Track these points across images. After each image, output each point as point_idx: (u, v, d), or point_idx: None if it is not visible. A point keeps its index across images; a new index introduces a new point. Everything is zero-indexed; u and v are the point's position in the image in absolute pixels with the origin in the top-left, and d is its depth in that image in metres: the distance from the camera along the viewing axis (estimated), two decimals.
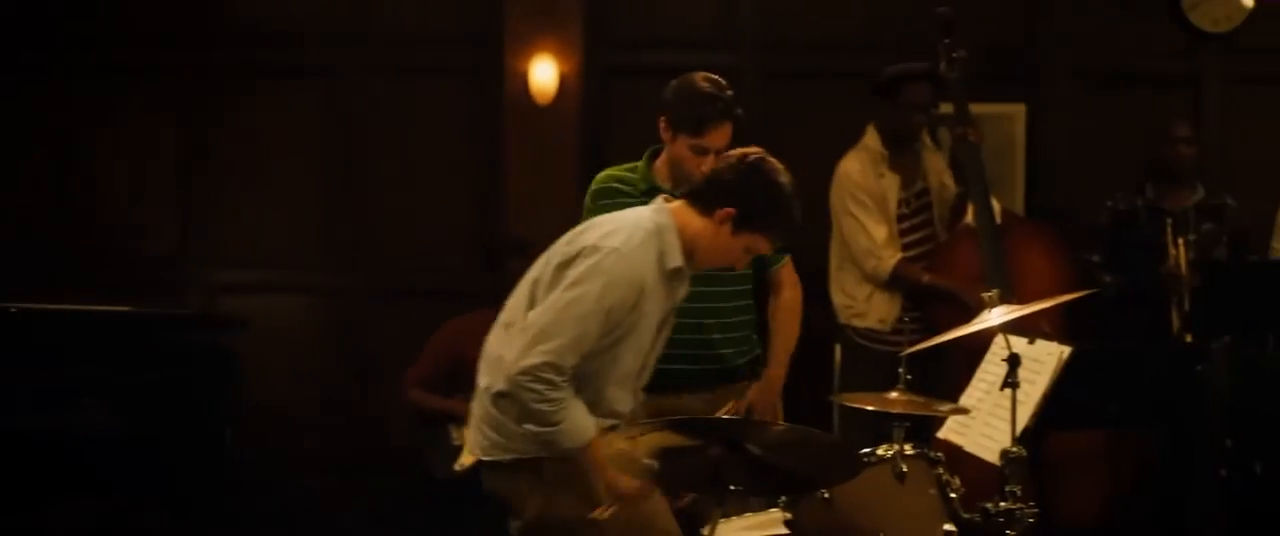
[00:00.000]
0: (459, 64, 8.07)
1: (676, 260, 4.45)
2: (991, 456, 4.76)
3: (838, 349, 6.43)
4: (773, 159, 4.61)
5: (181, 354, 6.36)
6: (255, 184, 8.13)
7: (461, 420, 6.69)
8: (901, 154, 6.88)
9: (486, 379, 4.53)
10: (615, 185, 5.15)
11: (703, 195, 4.51)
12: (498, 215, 7.79)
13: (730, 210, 4.44)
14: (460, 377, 6.72)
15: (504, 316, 4.58)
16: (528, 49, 7.68)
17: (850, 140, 6.97)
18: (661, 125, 4.98)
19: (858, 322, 6.84)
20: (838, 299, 6.91)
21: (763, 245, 4.58)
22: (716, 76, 5.02)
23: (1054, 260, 6.82)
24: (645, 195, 4.89)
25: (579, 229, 4.60)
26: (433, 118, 8.08)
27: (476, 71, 7.97)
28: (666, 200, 4.58)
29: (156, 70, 8.06)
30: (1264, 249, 7.20)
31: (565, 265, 4.41)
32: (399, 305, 7.93)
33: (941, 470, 4.46)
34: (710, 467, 3.83)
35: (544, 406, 4.26)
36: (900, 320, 6.54)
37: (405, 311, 7.82)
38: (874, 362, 6.56)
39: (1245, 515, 6.96)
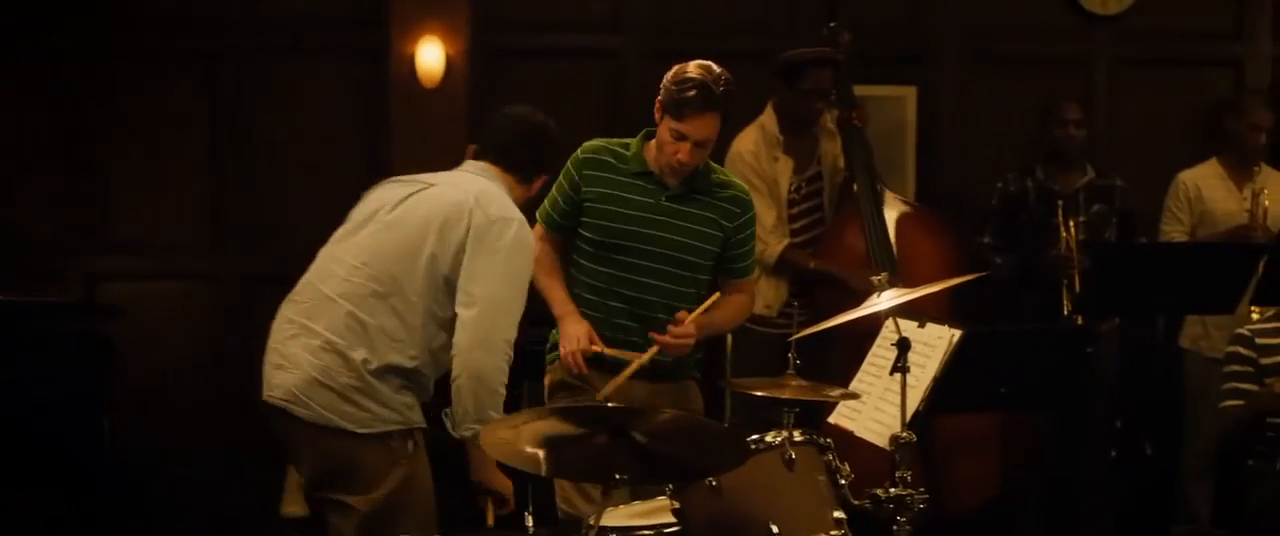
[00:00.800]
0: (346, 45, 7.95)
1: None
2: (881, 441, 4.71)
3: (728, 336, 6.36)
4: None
5: (50, 342, 6.21)
6: (141, 168, 7.94)
7: None
8: (798, 137, 6.84)
9: (364, 351, 4.49)
10: (608, 158, 5.17)
11: (519, 165, 4.81)
12: None
13: (546, 175, 4.94)
14: None
15: (367, 284, 4.58)
16: (414, 30, 7.60)
17: (735, 125, 6.90)
18: (656, 106, 5.04)
19: None
20: None
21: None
22: (718, 67, 5.01)
23: (941, 243, 6.83)
24: (635, 176, 5.11)
25: (425, 190, 4.77)
26: (319, 100, 7.96)
27: (363, 53, 7.86)
28: (473, 163, 4.86)
29: (37, 52, 7.85)
30: (1152, 229, 7.26)
31: (481, 236, 4.50)
32: (282, 292, 7.73)
33: (831, 456, 4.39)
34: (596, 456, 3.76)
35: (501, 387, 4.42)
36: (787, 304, 6.53)
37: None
38: (761, 348, 6.51)
39: (1135, 495, 7.05)
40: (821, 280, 6.65)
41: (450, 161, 7.17)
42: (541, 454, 3.81)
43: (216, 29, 7.91)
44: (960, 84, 7.98)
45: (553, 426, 3.76)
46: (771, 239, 6.66)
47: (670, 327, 4.96)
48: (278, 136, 7.93)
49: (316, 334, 4.56)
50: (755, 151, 6.74)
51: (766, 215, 6.63)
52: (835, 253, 6.71)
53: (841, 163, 7.00)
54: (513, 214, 4.58)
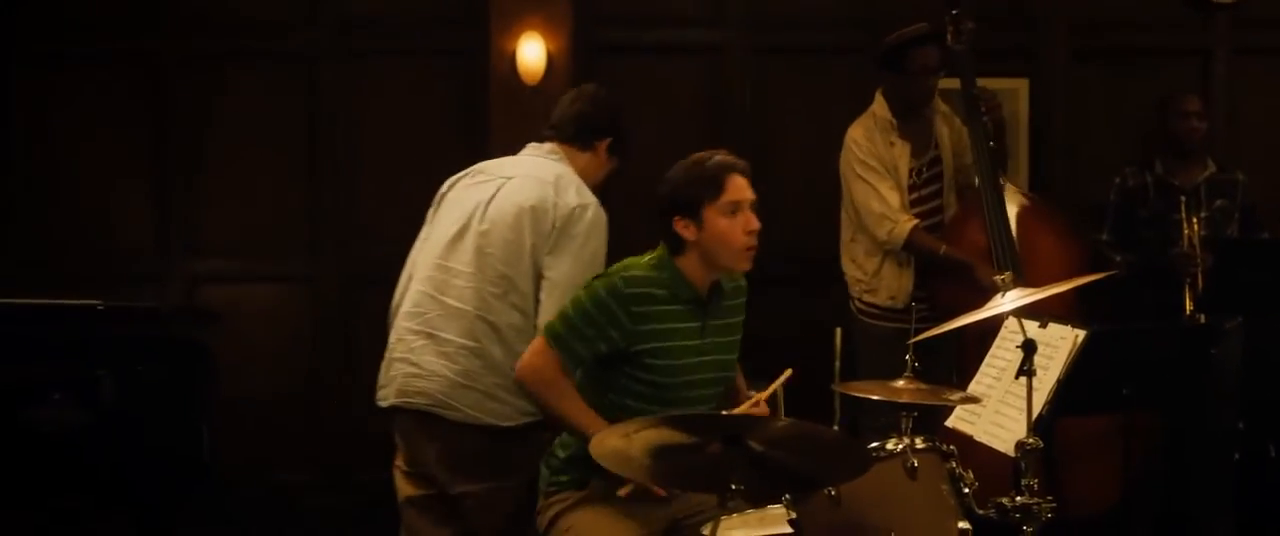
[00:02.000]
0: (444, 45, 7.84)
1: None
2: (1003, 446, 4.58)
3: (838, 334, 6.17)
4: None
5: (152, 348, 6.12)
6: (236, 172, 7.87)
7: None
8: (912, 121, 6.69)
9: (500, 350, 4.95)
10: (651, 288, 4.63)
11: (575, 134, 5.19)
12: None
13: (607, 138, 5.18)
14: None
15: (485, 288, 4.99)
16: (515, 27, 7.47)
17: (839, 117, 6.83)
18: (676, 222, 4.59)
19: (868, 298, 6.66)
20: (849, 271, 6.74)
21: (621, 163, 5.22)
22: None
23: (1064, 240, 6.62)
24: (681, 303, 4.62)
25: (504, 184, 5.15)
26: (417, 100, 7.85)
27: (462, 52, 7.74)
28: (538, 146, 5.24)
29: (135, 54, 7.81)
30: (1276, 224, 7.02)
31: (564, 223, 4.93)
32: (384, 294, 7.63)
33: (954, 464, 4.23)
34: (710, 465, 3.62)
35: None
36: (914, 296, 6.43)
37: (380, 300, 7.48)
38: (884, 344, 6.34)
39: (1257, 499, 6.83)
40: (944, 272, 6.46)
41: None
42: (654, 463, 3.67)
43: (313, 29, 7.82)
44: (1072, 76, 7.78)
45: (665, 435, 3.62)
46: (901, 217, 6.50)
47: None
48: (375, 137, 7.84)
49: (448, 341, 5.01)
50: (869, 137, 6.61)
51: (891, 196, 6.52)
52: (957, 246, 6.51)
53: (961, 147, 6.81)
54: (588, 198, 5.00)
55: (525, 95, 7.44)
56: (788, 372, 4.77)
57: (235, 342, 7.55)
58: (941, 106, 6.81)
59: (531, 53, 7.42)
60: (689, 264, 4.55)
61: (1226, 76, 7.73)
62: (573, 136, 5.22)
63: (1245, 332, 6.68)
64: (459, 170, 7.49)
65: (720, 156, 4.54)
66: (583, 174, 5.16)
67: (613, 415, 4.41)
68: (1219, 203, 6.82)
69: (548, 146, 5.23)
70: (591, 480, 4.49)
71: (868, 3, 7.72)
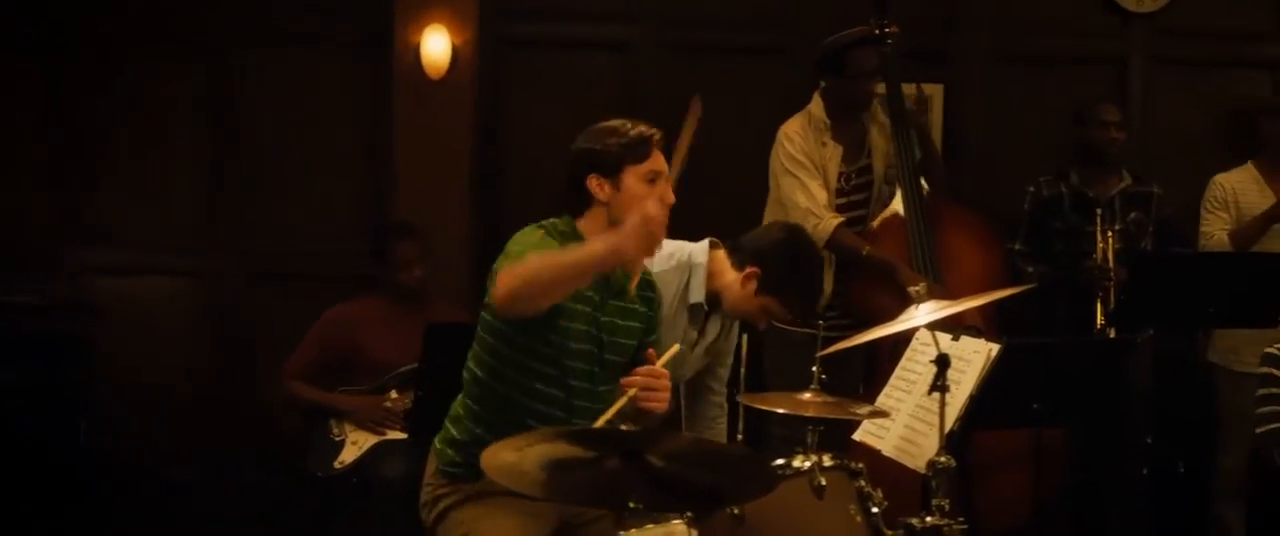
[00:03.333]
0: (348, 35, 7.63)
1: (697, 296, 4.98)
2: (914, 463, 4.50)
3: (743, 341, 6.02)
4: (804, 232, 5.17)
5: (21, 344, 5.93)
6: (135, 162, 7.64)
7: (343, 414, 6.36)
8: (847, 126, 6.57)
9: None
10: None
11: (737, 248, 4.98)
12: (386, 195, 7.40)
13: (756, 268, 4.87)
14: (347, 369, 6.49)
15: None
16: (419, 19, 7.28)
17: (753, 118, 6.79)
18: (591, 180, 4.31)
19: None
20: None
21: (780, 313, 4.98)
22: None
23: (983, 249, 6.54)
24: None
25: None
26: (322, 92, 7.65)
27: (367, 44, 7.54)
28: (714, 243, 5.05)
29: (29, 39, 7.55)
30: (1190, 238, 6.95)
31: None
32: (280, 290, 7.54)
33: (863, 482, 4.09)
34: (608, 481, 3.44)
35: None
36: (832, 300, 6.34)
37: (287, 296, 7.46)
38: (794, 348, 6.15)
39: (1167, 515, 6.77)
40: (870, 270, 6.33)
41: (456, 157, 7.07)
42: (548, 478, 3.49)
43: (214, 16, 7.60)
44: (989, 82, 7.69)
45: (561, 449, 3.43)
46: (826, 214, 6.38)
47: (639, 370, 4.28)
48: (276, 128, 7.63)
49: None
50: (803, 134, 6.48)
51: (819, 192, 6.40)
52: (880, 250, 6.40)
53: (892, 157, 6.70)
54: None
55: (430, 89, 7.27)
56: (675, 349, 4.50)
57: (132, 338, 7.49)
58: (878, 115, 6.70)
59: (436, 46, 7.24)
60: (592, 229, 4.27)
61: (1142, 85, 7.65)
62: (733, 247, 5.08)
63: (1155, 347, 6.65)
64: (364, 164, 7.38)
65: (644, 127, 4.35)
66: (724, 286, 5.02)
67: (515, 398, 4.20)
68: (1134, 215, 6.74)
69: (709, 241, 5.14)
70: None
71: (783, 2, 7.60)
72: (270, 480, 7.16)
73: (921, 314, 4.16)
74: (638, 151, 4.27)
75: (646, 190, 4.22)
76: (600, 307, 4.27)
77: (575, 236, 4.22)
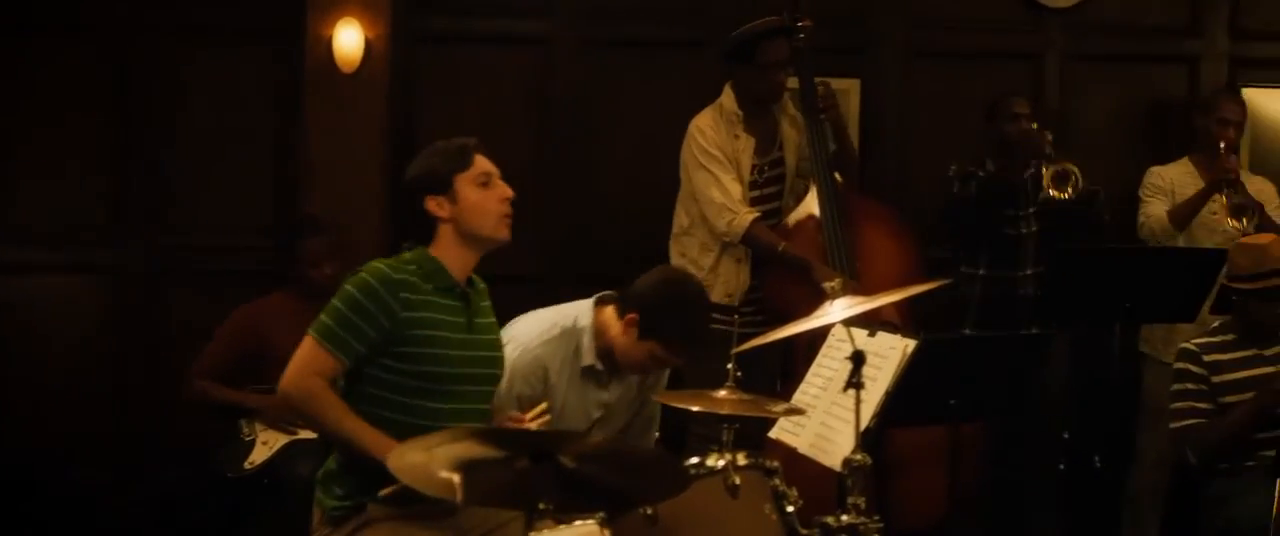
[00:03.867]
0: (259, 24, 7.50)
1: (588, 360, 4.99)
2: (830, 460, 4.43)
3: None
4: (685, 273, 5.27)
5: None
6: (35, 154, 7.50)
7: (253, 413, 6.26)
8: (759, 117, 6.52)
9: None
10: (410, 277, 4.38)
11: (622, 298, 4.97)
12: (298, 191, 7.28)
13: (634, 314, 4.90)
14: (257, 368, 6.37)
15: None
16: (332, 12, 7.16)
17: (671, 112, 6.68)
18: (428, 200, 4.40)
19: None
20: (680, 266, 6.47)
21: (669, 357, 4.96)
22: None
23: (899, 244, 6.50)
24: (443, 293, 4.40)
25: None
26: (231, 84, 7.52)
27: (278, 34, 7.42)
28: (602, 300, 5.07)
29: None
30: (1113, 230, 6.98)
31: None
32: (189, 287, 7.42)
33: (778, 481, 4.03)
34: (517, 482, 3.37)
35: None
36: (748, 293, 6.31)
37: (195, 294, 7.35)
38: (710, 344, 6.10)
39: (1083, 509, 6.79)
40: (785, 267, 6.28)
41: (369, 153, 7.01)
42: (457, 479, 3.41)
43: (121, 4, 7.46)
44: (905, 77, 7.65)
45: (469, 449, 3.37)
46: (741, 209, 6.32)
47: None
48: (186, 121, 7.50)
49: None
50: (715, 127, 6.42)
51: (732, 187, 6.34)
52: (795, 245, 6.34)
53: (805, 150, 6.66)
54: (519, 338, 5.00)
55: (342, 84, 7.17)
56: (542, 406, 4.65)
57: (34, 337, 7.40)
58: (789, 108, 6.66)
59: (349, 40, 7.13)
60: (445, 250, 4.38)
61: (1058, 80, 7.64)
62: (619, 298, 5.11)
63: (1071, 341, 6.65)
64: (273, 160, 7.27)
65: (458, 139, 4.45)
66: (611, 341, 5.03)
67: (397, 420, 4.22)
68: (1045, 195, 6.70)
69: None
70: (369, 504, 4.21)
71: None
72: (179, 481, 7.06)
73: (837, 310, 4.10)
74: (461, 160, 4.37)
75: (483, 193, 4.36)
76: (469, 328, 4.36)
77: (432, 265, 4.35)
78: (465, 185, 4.35)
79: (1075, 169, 6.40)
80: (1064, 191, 6.39)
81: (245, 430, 6.31)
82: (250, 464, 6.25)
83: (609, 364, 5.01)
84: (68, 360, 7.43)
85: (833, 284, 4.30)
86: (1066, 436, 6.67)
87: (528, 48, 7.57)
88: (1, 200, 7.45)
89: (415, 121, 7.36)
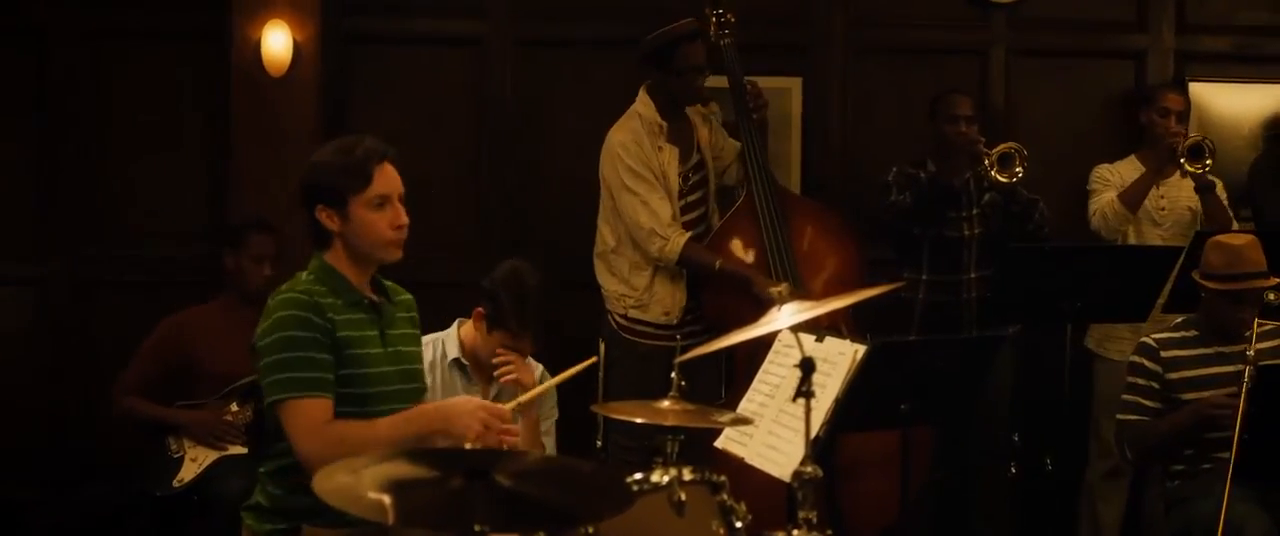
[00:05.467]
0: (184, 27, 7.34)
1: (453, 353, 5.25)
2: (778, 470, 4.34)
3: (602, 345, 5.84)
4: (525, 263, 5.22)
5: None
6: None
7: (181, 429, 6.08)
8: (677, 122, 6.39)
9: None
10: (320, 297, 4.23)
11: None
12: (224, 197, 7.12)
13: (479, 308, 5.16)
14: (185, 381, 6.24)
15: None
16: (260, 14, 6.98)
17: (604, 110, 6.51)
18: (320, 212, 4.19)
19: (636, 313, 6.31)
20: (610, 285, 6.37)
21: (515, 344, 5.12)
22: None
23: (842, 245, 6.39)
24: (354, 307, 4.26)
25: None
26: (157, 88, 7.37)
27: (204, 37, 7.25)
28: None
29: None
30: (1056, 229, 6.84)
31: None
32: (112, 297, 7.28)
33: (725, 496, 3.85)
34: (451, 502, 3.19)
35: None
36: (687, 307, 6.22)
37: (119, 304, 7.21)
38: (650, 361, 6.05)
39: (1035, 514, 6.80)
40: (724, 282, 6.15)
41: (297, 158, 6.72)
42: (388, 501, 3.23)
43: (43, 5, 7.30)
44: (848, 74, 7.52)
45: (399, 469, 3.18)
46: (672, 232, 6.17)
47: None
48: (113, 126, 7.34)
49: None
50: (636, 140, 6.26)
51: (661, 208, 6.20)
52: (729, 256, 6.24)
53: (724, 150, 6.59)
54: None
55: (270, 87, 7.00)
56: (593, 360, 4.75)
57: None
58: (698, 108, 6.53)
59: (277, 42, 6.96)
60: (339, 259, 4.22)
61: (1003, 76, 7.53)
62: None
63: (1015, 342, 6.55)
64: (201, 164, 7.12)
65: (369, 142, 4.20)
66: (470, 338, 5.30)
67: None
68: (988, 196, 6.60)
69: None
70: (304, 526, 4.06)
71: None
72: (106, 498, 6.89)
73: (784, 316, 3.93)
74: (358, 178, 4.15)
75: (376, 216, 4.16)
76: (383, 341, 4.25)
77: (332, 277, 4.19)
78: (359, 206, 4.15)
79: (1017, 147, 6.31)
80: (1010, 174, 6.29)
81: (173, 447, 6.13)
82: (179, 481, 6.08)
83: (478, 369, 5.23)
84: None
85: (779, 289, 4.12)
86: (1016, 438, 6.55)
87: (462, 49, 7.44)
88: None
89: (347, 124, 7.16)
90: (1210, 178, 6.61)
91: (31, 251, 7.31)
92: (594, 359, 4.72)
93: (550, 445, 5.28)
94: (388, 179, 4.17)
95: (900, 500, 5.96)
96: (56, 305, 7.32)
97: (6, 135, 7.32)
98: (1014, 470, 6.50)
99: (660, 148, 6.26)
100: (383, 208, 4.15)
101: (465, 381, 5.23)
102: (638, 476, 3.76)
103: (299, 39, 6.98)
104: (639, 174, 6.18)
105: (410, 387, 4.33)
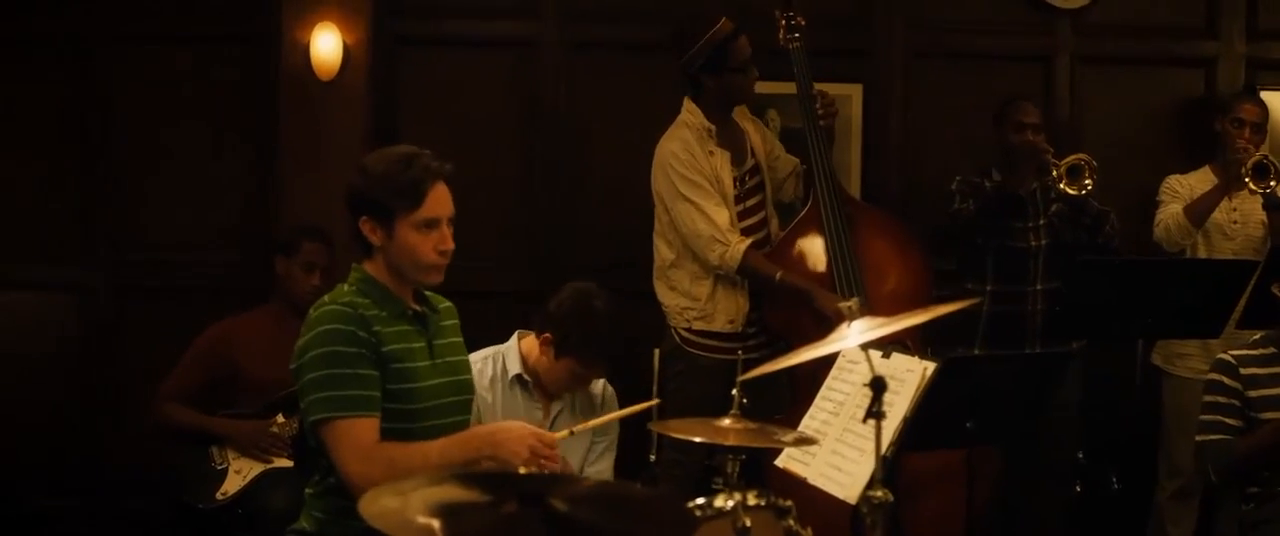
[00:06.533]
0: (231, 31, 7.24)
1: (514, 369, 5.11)
2: (842, 491, 4.16)
3: (656, 355, 5.66)
4: (594, 287, 5.10)
5: None
6: None
7: (225, 440, 5.93)
8: (726, 126, 6.21)
9: None
10: (366, 310, 4.14)
11: (538, 322, 5.05)
12: (271, 203, 7.02)
13: (547, 334, 5.00)
14: (228, 390, 6.10)
15: None
16: (308, 16, 6.89)
17: (659, 115, 6.32)
18: (364, 224, 4.11)
19: (701, 325, 6.12)
20: (670, 300, 6.19)
21: (587, 373, 5.04)
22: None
23: (908, 256, 6.23)
24: (401, 319, 4.18)
25: None
26: (198, 93, 7.26)
27: (250, 40, 7.16)
28: (522, 334, 5.20)
29: None
30: (1125, 242, 6.66)
31: None
32: (156, 305, 7.17)
33: (792, 521, 3.69)
34: (503, 529, 3.03)
35: None
36: (749, 318, 6.05)
37: (163, 312, 7.09)
38: (712, 375, 5.89)
39: (1100, 534, 6.63)
40: (783, 295, 5.97)
41: (346, 163, 6.58)
42: (437, 525, 3.08)
43: (85, 11, 7.19)
44: (909, 81, 7.35)
45: (449, 492, 3.03)
46: (732, 239, 5.98)
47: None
48: (154, 133, 7.25)
49: None
50: (687, 149, 6.07)
51: (718, 214, 6.00)
52: (791, 268, 6.05)
53: (774, 160, 6.43)
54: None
55: (320, 91, 6.90)
56: (655, 402, 4.61)
57: None
58: (745, 111, 6.39)
59: (326, 45, 6.86)
60: (379, 271, 4.13)
61: (1069, 83, 7.35)
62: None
63: (1084, 356, 6.47)
64: (245, 172, 6.98)
65: (426, 160, 4.07)
66: (535, 361, 5.15)
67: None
68: (1056, 207, 6.42)
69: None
70: None
71: None
72: (145, 511, 6.77)
73: (855, 333, 3.75)
74: (409, 198, 4.02)
75: (421, 238, 4.04)
76: (431, 352, 4.15)
77: (375, 288, 4.09)
78: (406, 226, 4.03)
79: (1086, 158, 6.15)
80: (1079, 186, 6.12)
81: (216, 458, 5.98)
82: (222, 494, 5.93)
83: (539, 387, 5.11)
84: (30, 381, 7.21)
85: (849, 304, 3.94)
86: (1080, 456, 6.43)
87: (513, 50, 7.31)
88: None
89: (396, 130, 7.06)
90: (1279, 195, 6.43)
91: (73, 257, 7.23)
92: (657, 401, 4.59)
93: (608, 463, 5.16)
94: (439, 201, 4.05)
95: (966, 519, 5.82)
96: (97, 311, 7.23)
97: (48, 141, 7.24)
98: (1078, 489, 6.37)
99: (711, 152, 6.08)
100: (430, 230, 4.03)
101: (527, 398, 5.12)
102: (700, 501, 3.61)
103: (349, 41, 6.89)
104: (693, 181, 6.01)
105: (461, 399, 4.23)
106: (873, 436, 3.62)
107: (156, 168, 7.22)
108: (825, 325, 5.64)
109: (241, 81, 7.19)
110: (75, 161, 7.22)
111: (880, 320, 3.74)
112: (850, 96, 7.22)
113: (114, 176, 7.20)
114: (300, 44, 6.87)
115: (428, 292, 4.25)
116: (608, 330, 4.96)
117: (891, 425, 4.09)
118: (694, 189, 6.00)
